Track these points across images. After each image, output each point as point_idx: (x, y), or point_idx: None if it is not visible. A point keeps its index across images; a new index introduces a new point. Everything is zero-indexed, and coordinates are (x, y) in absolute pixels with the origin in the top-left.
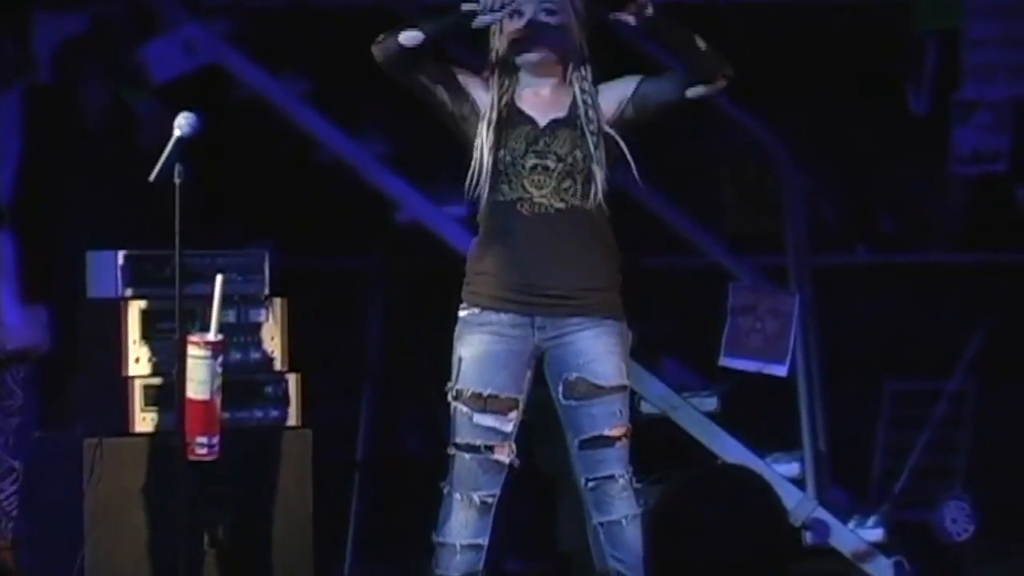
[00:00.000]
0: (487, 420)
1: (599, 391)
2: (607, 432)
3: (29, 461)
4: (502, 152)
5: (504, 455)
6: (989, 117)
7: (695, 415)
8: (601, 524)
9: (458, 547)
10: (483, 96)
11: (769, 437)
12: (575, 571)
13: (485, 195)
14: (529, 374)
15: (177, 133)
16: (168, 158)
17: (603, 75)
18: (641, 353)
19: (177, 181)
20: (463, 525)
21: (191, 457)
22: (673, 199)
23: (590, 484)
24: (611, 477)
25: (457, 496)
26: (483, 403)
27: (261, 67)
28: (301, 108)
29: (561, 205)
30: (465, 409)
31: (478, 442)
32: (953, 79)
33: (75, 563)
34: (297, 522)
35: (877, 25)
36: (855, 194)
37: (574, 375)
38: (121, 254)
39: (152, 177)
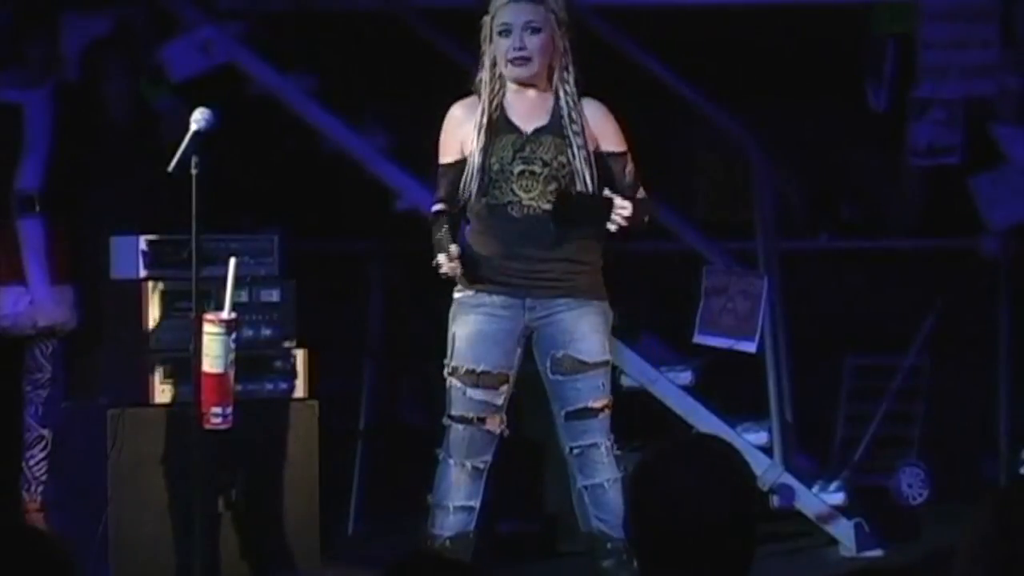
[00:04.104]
0: (479, 394)
1: (583, 367)
2: (591, 404)
3: (57, 429)
4: (492, 159)
5: (495, 426)
6: (943, 114)
7: (671, 388)
8: (585, 487)
9: (451, 508)
10: (471, 131)
11: (739, 408)
12: (561, 530)
13: (475, 195)
14: (519, 351)
15: (194, 127)
16: (186, 150)
17: (589, 77)
18: (622, 330)
19: (194, 172)
20: (456, 489)
21: (207, 426)
22: (652, 189)
23: (575, 451)
24: (594, 445)
25: (451, 462)
26: (476, 378)
27: (272, 66)
28: (308, 104)
29: (548, 206)
30: (459, 384)
31: (471, 414)
32: (909, 78)
33: (100, 523)
34: (305, 486)
35: (840, 28)
36: (819, 185)
37: (560, 352)
38: (142, 239)
39: (171, 168)
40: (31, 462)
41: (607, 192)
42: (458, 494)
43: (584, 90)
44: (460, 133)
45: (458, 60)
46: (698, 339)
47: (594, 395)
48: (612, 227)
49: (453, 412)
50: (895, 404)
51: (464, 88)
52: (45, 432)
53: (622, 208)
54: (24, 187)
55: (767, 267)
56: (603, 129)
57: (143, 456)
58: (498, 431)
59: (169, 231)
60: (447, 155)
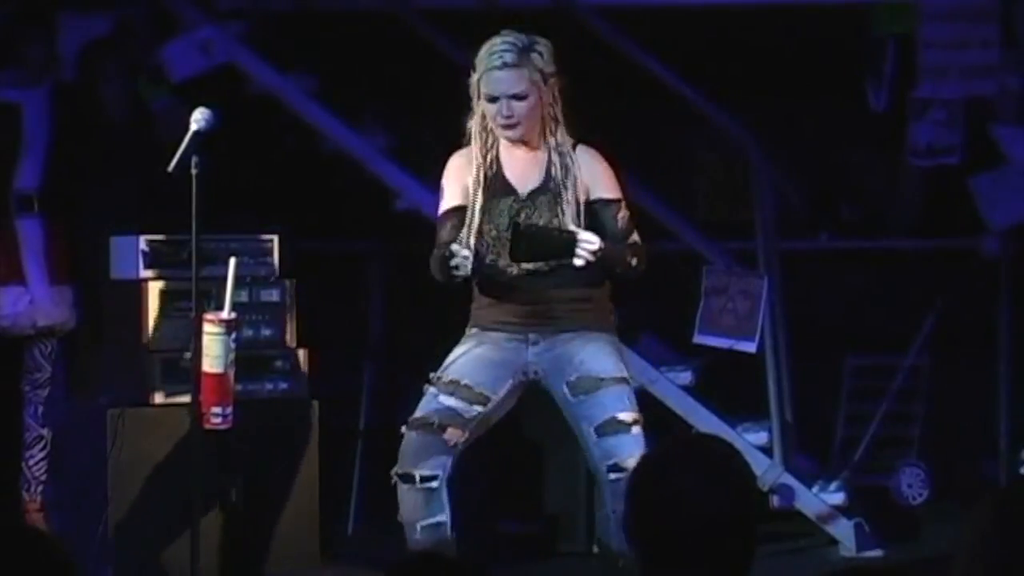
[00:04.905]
0: (451, 401)
1: (602, 382)
2: (619, 415)
3: (57, 429)
4: (488, 226)
5: (453, 437)
6: (943, 114)
7: (672, 388)
8: (615, 512)
9: (419, 528)
10: (471, 183)
11: (739, 408)
12: (561, 530)
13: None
14: (510, 384)
15: (194, 127)
16: (185, 150)
17: (590, 78)
18: (622, 331)
19: (193, 172)
20: (415, 508)
21: (207, 426)
22: (652, 189)
23: (612, 476)
24: (631, 466)
25: (403, 486)
26: (455, 388)
27: (272, 66)
28: (309, 104)
29: (546, 268)
30: (435, 390)
31: (434, 419)
32: (909, 78)
33: (100, 523)
34: (304, 486)
35: (840, 28)
36: (819, 185)
37: (574, 375)
38: (142, 239)
39: (171, 168)
40: (31, 462)
41: (571, 226)
42: (419, 513)
43: (580, 134)
44: (463, 181)
45: (458, 60)
46: (698, 339)
47: (620, 406)
48: (579, 261)
49: (416, 415)
50: (895, 404)
51: (462, 88)
52: (45, 432)
53: (587, 242)
54: (22, 187)
55: (767, 267)
56: (595, 176)
57: (143, 456)
58: (454, 443)
59: (169, 231)
60: (450, 200)
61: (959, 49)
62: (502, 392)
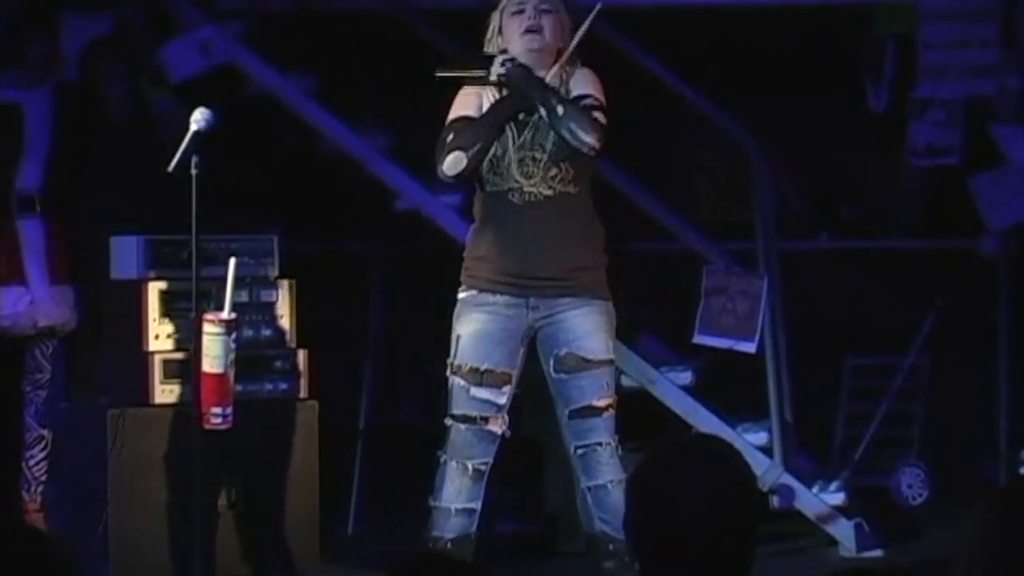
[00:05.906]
0: (482, 393)
1: (587, 364)
2: (595, 402)
3: (57, 430)
4: (495, 146)
5: (497, 426)
6: (942, 114)
7: (671, 388)
8: (589, 488)
9: (453, 511)
10: (486, 100)
11: (739, 408)
12: (561, 530)
13: (478, 186)
14: (522, 351)
15: (194, 127)
16: (185, 150)
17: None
18: (622, 330)
19: (194, 172)
20: (457, 491)
21: (207, 426)
22: (652, 189)
23: (579, 451)
24: (598, 444)
25: (453, 464)
26: (479, 377)
27: (272, 66)
28: (308, 104)
29: (549, 192)
30: (463, 383)
31: (474, 413)
32: (909, 78)
33: (99, 524)
34: (305, 486)
35: (840, 28)
36: (819, 185)
37: (564, 350)
38: (142, 239)
39: (171, 168)
40: (31, 462)
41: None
42: (459, 496)
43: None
44: (477, 99)
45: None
46: (698, 339)
47: (598, 393)
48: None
49: (455, 411)
50: (895, 404)
51: (461, 88)
52: (45, 432)
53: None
54: (24, 187)
55: (767, 267)
56: (581, 85)
57: (143, 456)
58: (499, 432)
59: (169, 231)
60: (459, 110)
61: (959, 49)
62: (519, 363)
